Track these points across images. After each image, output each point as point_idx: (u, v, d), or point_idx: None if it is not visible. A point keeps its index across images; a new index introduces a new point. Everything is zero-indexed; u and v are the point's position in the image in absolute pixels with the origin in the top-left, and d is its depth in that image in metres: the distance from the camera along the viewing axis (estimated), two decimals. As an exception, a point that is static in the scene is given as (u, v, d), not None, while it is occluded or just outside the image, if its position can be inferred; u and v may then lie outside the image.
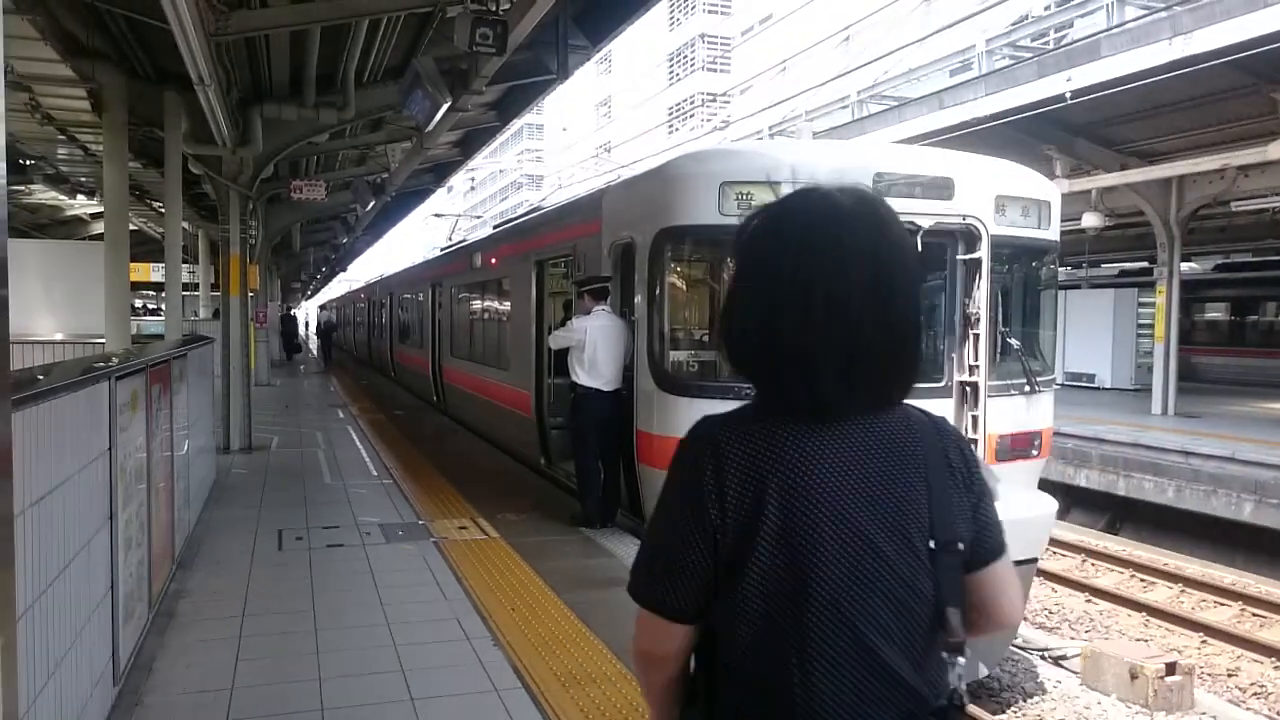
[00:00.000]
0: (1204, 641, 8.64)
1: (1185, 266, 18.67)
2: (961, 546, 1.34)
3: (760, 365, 1.37)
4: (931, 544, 1.30)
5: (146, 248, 23.31)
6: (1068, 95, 12.04)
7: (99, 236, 14.93)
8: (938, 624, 1.30)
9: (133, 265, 15.75)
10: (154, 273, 25.85)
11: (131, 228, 15.00)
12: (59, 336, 12.98)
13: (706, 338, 6.81)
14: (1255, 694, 7.64)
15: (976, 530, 1.37)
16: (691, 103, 56.51)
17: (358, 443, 11.93)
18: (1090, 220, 15.82)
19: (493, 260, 12.00)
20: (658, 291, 6.43)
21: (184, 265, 16.61)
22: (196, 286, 24.29)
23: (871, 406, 1.34)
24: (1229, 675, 7.97)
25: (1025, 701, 7.27)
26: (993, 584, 1.40)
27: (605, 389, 6.94)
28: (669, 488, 1.41)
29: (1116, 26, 13.71)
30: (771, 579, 1.27)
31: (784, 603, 1.27)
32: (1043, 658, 8.08)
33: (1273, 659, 8.13)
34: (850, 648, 1.26)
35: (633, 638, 1.44)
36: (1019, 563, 6.54)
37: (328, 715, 3.88)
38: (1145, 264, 22.77)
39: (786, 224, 1.41)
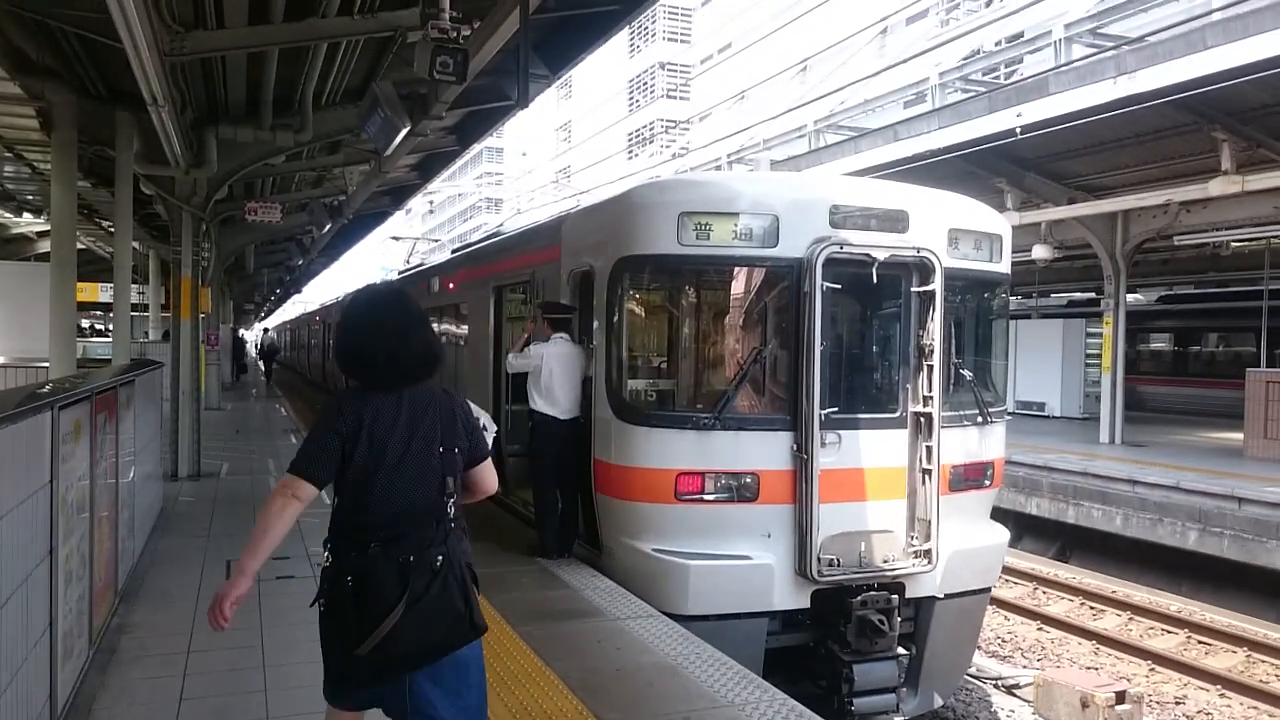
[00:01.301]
0: (1152, 669, 8.78)
1: (1131, 298, 19.14)
2: (458, 451, 2.83)
3: (355, 368, 2.85)
4: (441, 449, 2.79)
5: (95, 267, 22.82)
6: (1018, 130, 12.34)
7: (46, 255, 14.59)
8: (443, 484, 2.76)
9: (81, 285, 15.44)
10: (103, 293, 25.27)
11: (80, 247, 14.70)
12: (0, 360, 12.62)
13: (665, 366, 6.82)
14: (1201, 721, 7.77)
15: (470, 444, 2.89)
16: (651, 129, 56.93)
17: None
18: (1040, 252, 16.19)
19: (451, 285, 11.93)
20: (616, 320, 6.42)
21: (134, 286, 16.30)
22: (146, 307, 23.81)
23: (408, 384, 2.81)
24: (1176, 703, 8.11)
25: (979, 731, 7.32)
26: (480, 473, 2.99)
27: (562, 417, 6.90)
28: (319, 422, 2.76)
29: (1064, 65, 14.11)
30: (364, 460, 2.69)
31: (368, 471, 2.69)
32: (996, 686, 8.15)
33: (1218, 686, 8.28)
34: (396, 491, 2.69)
35: (274, 495, 2.73)
36: (974, 592, 6.64)
37: (275, 756, 3.77)
38: (1093, 295, 23.33)
39: (358, 303, 2.97)
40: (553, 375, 6.87)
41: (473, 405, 3.07)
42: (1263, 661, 8.90)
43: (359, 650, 2.58)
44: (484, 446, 3.01)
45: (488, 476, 3.01)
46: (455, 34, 7.00)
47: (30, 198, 16.40)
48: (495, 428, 3.23)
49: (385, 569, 2.62)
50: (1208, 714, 7.87)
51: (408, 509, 2.69)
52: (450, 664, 2.70)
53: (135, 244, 16.63)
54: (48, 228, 15.32)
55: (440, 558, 2.67)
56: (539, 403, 6.95)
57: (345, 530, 2.73)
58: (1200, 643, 9.44)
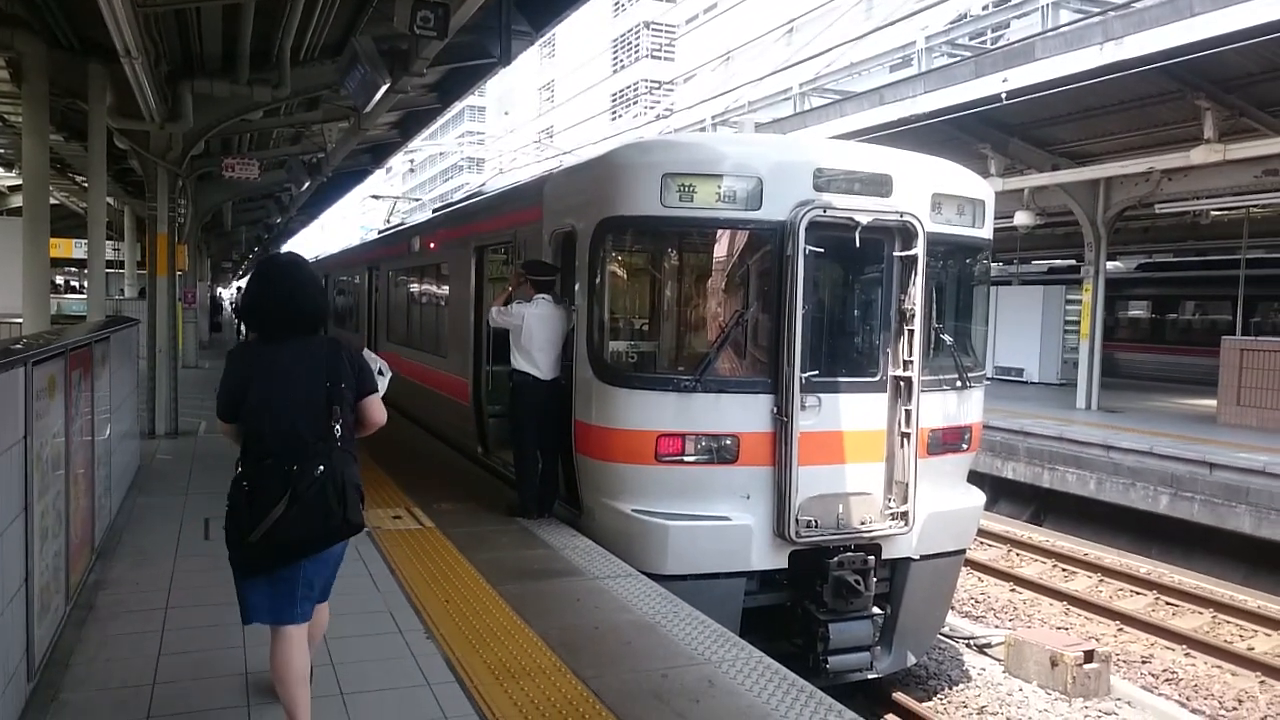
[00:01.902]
0: (1120, 629, 8.97)
1: (1110, 265, 19.25)
2: (344, 386, 3.38)
3: (253, 322, 3.51)
4: (328, 384, 3.34)
5: (69, 222, 22.42)
6: (1003, 95, 12.29)
7: (19, 210, 14.34)
8: (327, 411, 3.32)
9: (54, 241, 15.18)
10: (77, 249, 24.83)
11: (54, 202, 14.45)
12: (-27, 315, 12.44)
13: (646, 328, 6.81)
14: (1167, 680, 7.95)
15: (358, 382, 3.46)
16: (635, 90, 56.37)
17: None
18: (1022, 218, 16.22)
19: (431, 245, 11.83)
20: (598, 281, 6.40)
21: (109, 242, 16.05)
22: (122, 264, 23.49)
23: (297, 335, 3.42)
24: (1143, 662, 8.29)
25: (951, 689, 7.47)
26: (366, 405, 3.52)
27: (542, 377, 6.89)
28: (222, 376, 3.47)
29: (1051, 30, 14.02)
30: (256, 398, 3.32)
31: (262, 407, 3.31)
32: (968, 646, 8.30)
33: (1184, 646, 8.47)
34: (284, 419, 3.28)
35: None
36: (949, 554, 6.74)
37: (254, 711, 3.80)
38: (1073, 262, 23.43)
39: (259, 268, 3.62)
40: (533, 336, 6.85)
41: (369, 353, 3.75)
42: (1228, 622, 9.10)
43: (251, 538, 3.23)
44: (370, 384, 3.57)
45: (373, 410, 3.58)
46: (436, -13, 6.87)
47: (2, 151, 16.07)
48: (390, 373, 3.90)
49: (273, 476, 3.25)
50: (1173, 672, 8.06)
51: (295, 432, 3.30)
52: (329, 555, 3.48)
53: (110, 200, 16.38)
54: (20, 182, 15.06)
55: (321, 468, 3.27)
56: (520, 363, 6.93)
57: (248, 448, 3.37)
58: (1168, 604, 9.64)
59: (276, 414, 3.30)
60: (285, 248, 50.39)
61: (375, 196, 30.86)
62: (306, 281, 3.56)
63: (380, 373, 3.68)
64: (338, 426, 3.34)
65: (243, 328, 33.52)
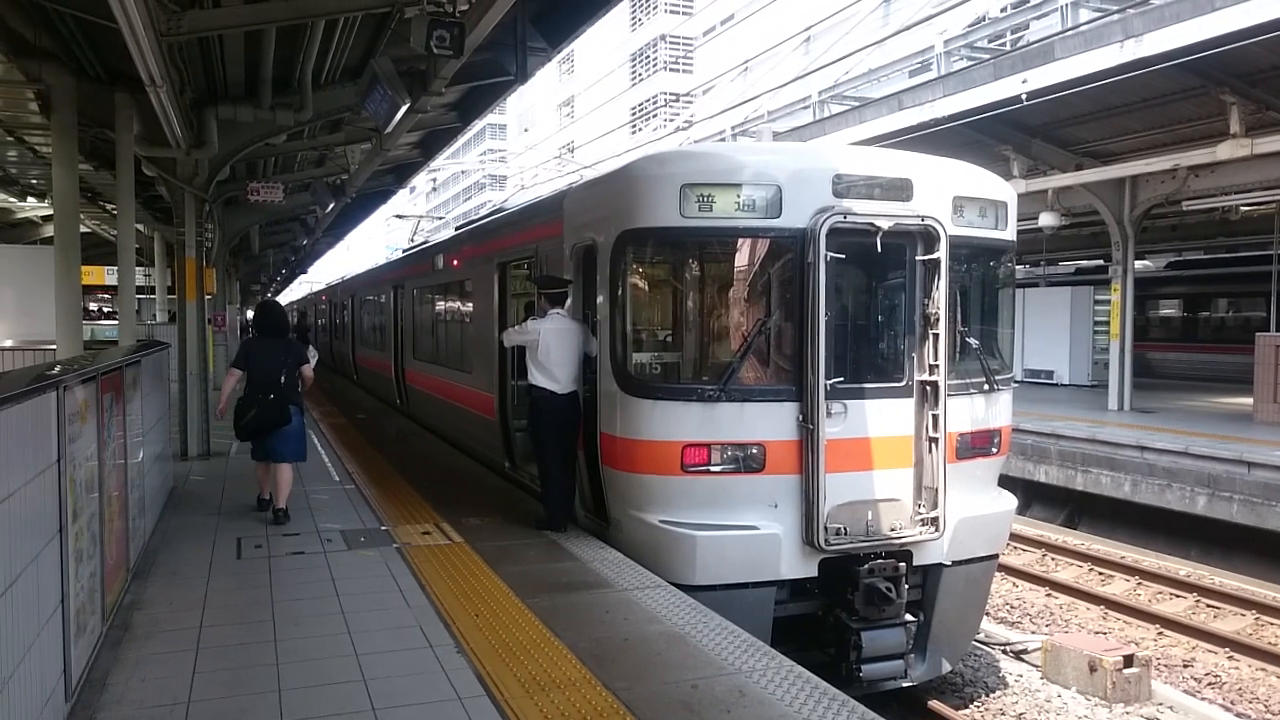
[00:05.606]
0: (1161, 633, 8.81)
1: (1139, 265, 19.02)
2: (291, 360, 7.65)
3: (257, 327, 8.35)
4: (283, 358, 7.62)
5: (101, 250, 22.82)
6: (1023, 97, 12.22)
7: (51, 239, 14.60)
8: (281, 371, 7.52)
9: (87, 268, 15.46)
10: (108, 275, 25.25)
11: (85, 230, 14.72)
12: (9, 343, 12.69)
13: (669, 339, 6.81)
14: (1210, 684, 7.80)
15: (298, 358, 7.73)
16: (654, 103, 56.52)
17: (319, 447, 11.78)
18: (1046, 220, 16.06)
19: (455, 262, 11.91)
20: (619, 293, 6.41)
21: (139, 268, 16.30)
22: (152, 290, 23.82)
23: (274, 335, 7.83)
24: (1185, 666, 8.14)
25: (988, 696, 7.37)
26: (303, 370, 7.74)
27: (560, 391, 6.91)
28: (241, 345, 8.59)
29: (1071, 29, 13.93)
30: (254, 361, 7.60)
31: (255, 366, 7.56)
32: (1004, 652, 8.19)
33: (1227, 649, 8.30)
34: (261, 373, 7.51)
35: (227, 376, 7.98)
36: (981, 559, 6.66)
37: (287, 727, 3.81)
38: (1100, 262, 23.17)
39: (260, 306, 9.55)
40: (550, 350, 6.87)
41: (311, 348, 8.54)
42: (1271, 624, 8.92)
43: (243, 422, 7.34)
44: (305, 360, 7.68)
45: (306, 370, 7.65)
46: (451, 7, 6.95)
47: (34, 182, 16.38)
48: (317, 355, 8.32)
49: (252, 399, 7.33)
50: (1216, 675, 7.90)
51: (265, 380, 7.33)
52: (288, 429, 7.38)
53: (140, 226, 16.66)
54: (51, 211, 15.33)
55: (273, 396, 7.27)
56: (537, 378, 6.95)
57: (248, 385, 7.38)
58: (1209, 606, 9.47)
59: (261, 370, 7.36)
60: (312, 269, 51.47)
61: (399, 216, 31.18)
62: (279, 312, 8.08)
63: (314, 355, 8.18)
64: (283, 378, 7.33)
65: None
